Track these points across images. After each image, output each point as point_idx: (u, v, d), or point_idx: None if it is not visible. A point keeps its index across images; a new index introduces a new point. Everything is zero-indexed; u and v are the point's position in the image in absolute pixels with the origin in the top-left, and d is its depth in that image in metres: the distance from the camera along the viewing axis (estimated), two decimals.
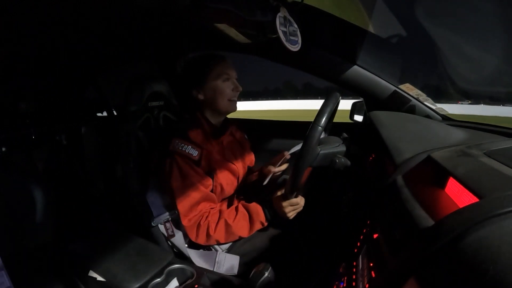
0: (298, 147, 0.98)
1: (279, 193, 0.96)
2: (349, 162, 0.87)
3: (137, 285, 0.88)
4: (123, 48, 1.39)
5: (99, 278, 1.01)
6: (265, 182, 1.01)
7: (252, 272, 0.76)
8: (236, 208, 0.93)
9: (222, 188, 1.00)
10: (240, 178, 1.08)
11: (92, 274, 1.01)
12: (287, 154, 1.04)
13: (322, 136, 0.83)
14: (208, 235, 0.90)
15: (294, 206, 0.89)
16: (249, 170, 1.18)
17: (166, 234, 1.06)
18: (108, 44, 1.28)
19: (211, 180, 0.97)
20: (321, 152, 0.83)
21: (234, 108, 1.01)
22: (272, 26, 0.71)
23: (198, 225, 0.90)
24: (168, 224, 1.08)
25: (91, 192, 1.58)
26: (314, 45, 1.10)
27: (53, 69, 1.44)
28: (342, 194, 1.08)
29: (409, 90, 1.09)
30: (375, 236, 0.57)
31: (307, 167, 0.80)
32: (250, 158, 1.19)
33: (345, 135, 0.95)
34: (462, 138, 0.80)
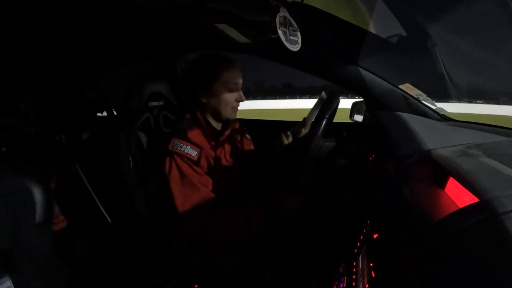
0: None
1: (279, 188, 0.96)
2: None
3: (138, 285, 0.88)
4: (123, 48, 1.39)
5: (99, 278, 1.01)
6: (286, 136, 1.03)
7: (252, 272, 0.76)
8: (235, 208, 0.93)
9: (221, 188, 1.00)
10: (240, 178, 1.08)
11: (92, 274, 1.01)
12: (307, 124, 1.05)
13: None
14: (207, 235, 0.90)
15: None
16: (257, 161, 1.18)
17: (165, 233, 1.06)
18: (108, 44, 1.28)
19: (210, 180, 0.97)
20: (325, 143, 0.85)
21: (234, 116, 1.02)
22: (272, 26, 0.71)
23: (197, 225, 0.90)
24: (168, 224, 1.08)
25: (91, 192, 1.58)
26: (314, 45, 1.09)
27: (53, 69, 1.44)
28: (342, 194, 1.08)
29: (409, 90, 1.09)
30: (375, 236, 0.57)
31: (311, 157, 0.81)
32: (253, 155, 1.18)
33: (345, 135, 0.95)
34: (462, 138, 0.80)
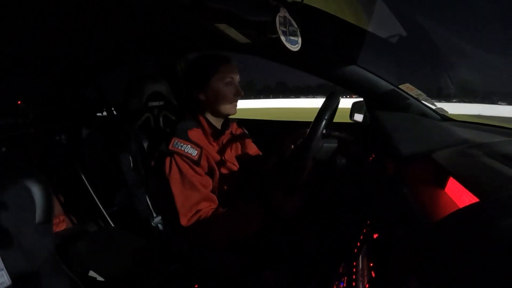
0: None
1: (279, 189, 0.95)
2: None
3: (137, 285, 0.88)
4: (123, 48, 1.39)
5: (99, 278, 1.01)
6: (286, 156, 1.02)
7: (252, 272, 0.76)
8: (235, 208, 0.93)
9: (222, 188, 1.00)
10: (240, 178, 1.08)
11: (92, 274, 1.02)
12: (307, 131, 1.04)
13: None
14: (207, 236, 0.90)
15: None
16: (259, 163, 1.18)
17: (165, 234, 1.06)
18: (108, 44, 1.28)
19: (210, 180, 0.97)
20: (324, 144, 0.85)
21: (234, 112, 1.01)
22: (272, 26, 0.71)
23: (197, 225, 0.90)
24: (168, 224, 1.08)
25: (91, 193, 1.58)
26: (314, 45, 1.10)
27: (53, 69, 1.44)
28: (342, 194, 1.08)
29: (409, 90, 1.09)
30: (375, 236, 0.57)
31: (310, 158, 0.81)
32: (254, 155, 1.18)
33: (345, 134, 0.95)
34: (462, 138, 0.80)
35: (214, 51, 1.03)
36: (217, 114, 1.01)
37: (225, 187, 1.01)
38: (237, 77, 0.99)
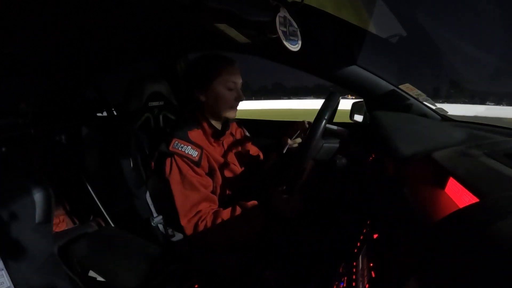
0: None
1: (279, 190, 0.95)
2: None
3: (137, 285, 0.88)
4: (123, 48, 1.39)
5: (99, 278, 1.01)
6: (284, 151, 1.01)
7: (252, 272, 0.76)
8: (235, 209, 0.93)
9: (222, 189, 1.00)
10: (241, 178, 1.08)
11: (92, 274, 1.01)
12: (306, 123, 1.04)
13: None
14: (206, 236, 0.90)
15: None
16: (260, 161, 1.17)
17: (166, 234, 1.06)
18: (108, 44, 1.28)
19: (211, 181, 0.97)
20: (324, 144, 0.85)
21: (233, 115, 1.01)
22: (272, 26, 0.71)
23: (197, 226, 0.90)
24: (168, 225, 1.08)
25: (91, 193, 1.58)
26: (314, 45, 1.09)
27: (53, 69, 1.44)
28: (342, 194, 1.08)
29: (409, 90, 1.09)
30: (375, 236, 0.57)
31: (310, 159, 0.81)
32: (254, 155, 1.18)
33: (346, 132, 0.95)
34: (462, 138, 0.80)
35: (215, 52, 1.02)
36: (216, 116, 1.01)
37: (226, 187, 1.01)
38: (239, 81, 0.98)
